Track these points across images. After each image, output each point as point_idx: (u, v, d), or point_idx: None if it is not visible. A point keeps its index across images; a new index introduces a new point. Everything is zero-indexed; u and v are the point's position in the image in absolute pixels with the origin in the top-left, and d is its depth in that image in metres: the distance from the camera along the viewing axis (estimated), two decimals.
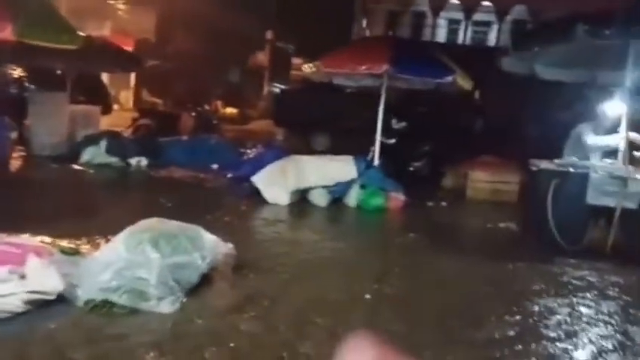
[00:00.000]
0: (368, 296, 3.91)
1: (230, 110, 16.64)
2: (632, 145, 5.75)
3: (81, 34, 7.79)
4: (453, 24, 30.10)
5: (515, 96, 10.93)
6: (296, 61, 16.70)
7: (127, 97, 20.56)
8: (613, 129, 5.97)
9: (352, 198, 7.13)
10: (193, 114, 12.72)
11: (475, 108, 12.32)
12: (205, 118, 13.05)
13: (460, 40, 29.11)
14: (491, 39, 28.76)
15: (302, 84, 12.94)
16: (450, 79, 8.01)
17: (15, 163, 8.35)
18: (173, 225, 3.73)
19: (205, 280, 3.67)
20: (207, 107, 15.15)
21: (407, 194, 7.38)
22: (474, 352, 3.14)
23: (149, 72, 16.35)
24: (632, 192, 5.34)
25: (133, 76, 19.31)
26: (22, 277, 3.19)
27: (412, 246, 5.61)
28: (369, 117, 8.60)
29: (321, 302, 3.73)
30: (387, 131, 9.37)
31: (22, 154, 8.98)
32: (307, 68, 8.83)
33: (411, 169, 10.14)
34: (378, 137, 8.25)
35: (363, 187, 7.20)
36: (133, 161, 8.91)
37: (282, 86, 15.53)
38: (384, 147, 8.48)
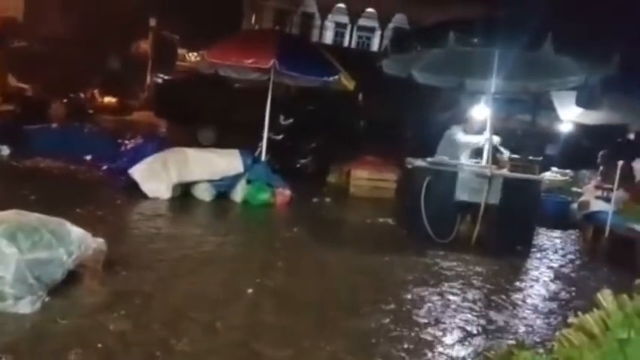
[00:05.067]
0: (249, 290, 3.87)
1: (109, 99, 15.59)
2: (495, 147, 6.31)
3: None
4: (340, 27, 31.03)
5: (394, 98, 11.50)
6: (182, 51, 16.08)
7: None
8: (480, 131, 6.52)
9: (238, 193, 7.04)
10: (65, 101, 11.73)
11: (358, 109, 12.78)
12: (78, 106, 12.10)
13: (346, 43, 30.07)
14: (375, 44, 30.08)
15: (187, 75, 12.52)
16: (335, 78, 8.21)
17: None
18: (34, 218, 3.38)
19: (72, 277, 3.39)
20: (82, 95, 14.05)
21: (292, 190, 7.44)
22: (351, 340, 3.23)
23: (15, 54, 14.82)
24: (495, 189, 5.87)
25: None
26: None
27: (296, 240, 5.66)
28: (256, 112, 8.55)
29: (200, 298, 3.61)
30: (275, 127, 9.40)
31: None
32: (192, 57, 8.56)
33: (297, 165, 10.26)
34: (266, 133, 8.23)
35: (249, 181, 7.14)
36: None
37: (166, 76, 14.89)
38: (271, 143, 8.48)
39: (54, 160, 8.01)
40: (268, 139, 8.31)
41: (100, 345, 2.78)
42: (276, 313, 3.51)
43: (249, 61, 7.86)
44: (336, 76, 8.25)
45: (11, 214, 3.37)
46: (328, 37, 30.32)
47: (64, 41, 15.42)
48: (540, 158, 6.39)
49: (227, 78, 9.45)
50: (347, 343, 3.18)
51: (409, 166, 6.36)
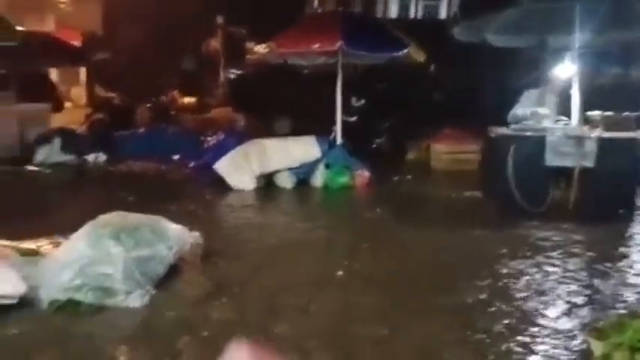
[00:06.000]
0: (339, 273, 3.90)
1: (188, 99, 16.25)
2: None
3: (20, 29, 7.42)
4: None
5: (469, 66, 11.04)
6: (250, 44, 16.38)
7: (78, 93, 19.75)
8: (565, 91, 6.11)
9: (318, 178, 7.13)
10: (149, 105, 12.37)
11: (431, 81, 12.42)
12: (162, 109, 12.72)
13: (412, 14, 29.18)
14: (442, 12, 28.97)
15: (257, 67, 12.75)
16: (404, 52, 8.01)
17: None
18: (134, 217, 3.62)
19: (173, 270, 3.59)
20: (163, 98, 14.72)
21: (372, 170, 7.40)
22: (447, 317, 3.17)
23: (99, 66, 15.77)
24: (588, 151, 5.48)
25: (83, 71, 18.60)
26: None
27: (380, 220, 5.64)
28: (327, 96, 8.55)
29: (293, 283, 3.70)
30: (348, 109, 9.36)
31: None
32: (260, 49, 8.70)
33: (374, 145, 10.18)
34: (339, 116, 8.21)
35: (327, 166, 7.20)
36: (90, 157, 8.69)
37: (238, 71, 15.23)
38: (345, 125, 8.45)
39: (145, 162, 8.50)
40: (342, 121, 8.29)
41: (205, 333, 2.93)
42: (368, 295, 3.52)
43: (316, 45, 7.84)
44: (405, 50, 8.03)
45: (114, 216, 3.62)
46: (393, 11, 29.58)
47: (141, 49, 16.19)
48: (638, 113, 5.86)
49: (296, 65, 9.51)
50: (443, 321, 3.13)
51: (492, 135, 6.10)
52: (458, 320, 3.14)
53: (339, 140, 8.04)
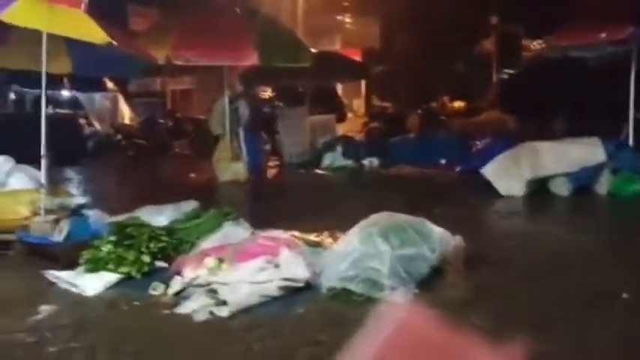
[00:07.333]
0: (625, 295, 3.40)
1: (458, 104, 16.30)
2: None
3: (313, 50, 8.61)
4: None
5: None
6: (526, 41, 15.50)
7: (359, 104, 21.93)
8: None
9: (602, 184, 6.38)
10: (419, 112, 12.86)
11: None
12: (432, 115, 13.06)
13: None
14: None
15: (534, 65, 11.96)
16: None
17: (270, 171, 9.66)
18: (401, 218, 3.85)
19: (435, 272, 3.67)
20: (434, 104, 15.10)
21: None
22: None
23: (376, 78, 17.09)
24: None
25: (363, 84, 20.52)
26: (276, 266, 3.67)
27: None
28: (618, 91, 7.51)
29: (565, 300, 3.39)
30: None
31: (275, 163, 10.35)
32: (536, 45, 8.17)
33: None
34: (632, 113, 7.14)
35: (615, 171, 6.35)
36: (366, 162, 9.50)
37: (512, 71, 14.55)
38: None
39: (413, 166, 8.90)
40: (636, 120, 7.18)
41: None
42: None
43: (603, 35, 6.98)
44: None
45: (383, 216, 3.92)
46: None
47: (414, 59, 16.94)
48: None
49: (579, 58, 8.63)
50: None
51: None
52: None
53: (630, 141, 7.02)
